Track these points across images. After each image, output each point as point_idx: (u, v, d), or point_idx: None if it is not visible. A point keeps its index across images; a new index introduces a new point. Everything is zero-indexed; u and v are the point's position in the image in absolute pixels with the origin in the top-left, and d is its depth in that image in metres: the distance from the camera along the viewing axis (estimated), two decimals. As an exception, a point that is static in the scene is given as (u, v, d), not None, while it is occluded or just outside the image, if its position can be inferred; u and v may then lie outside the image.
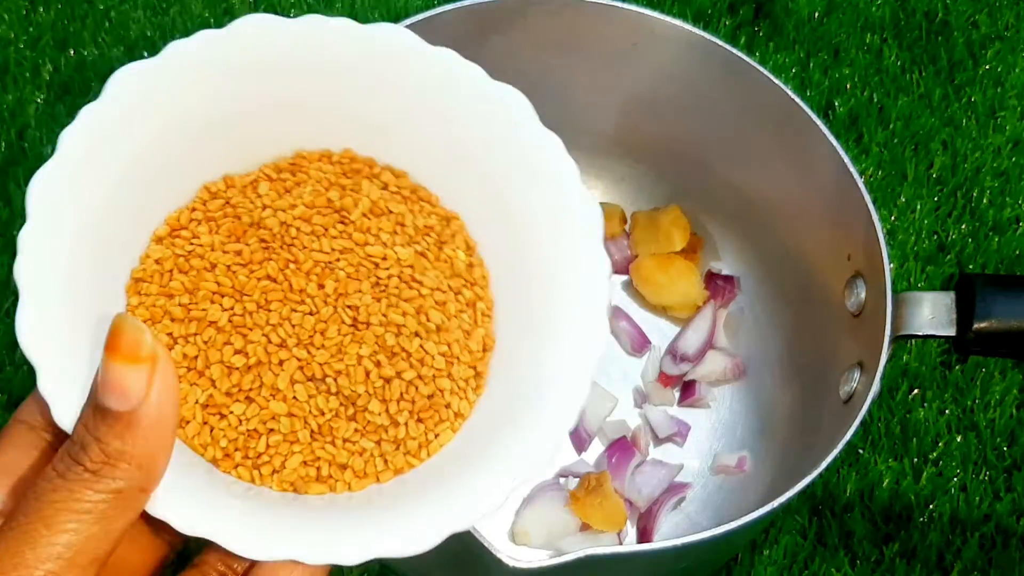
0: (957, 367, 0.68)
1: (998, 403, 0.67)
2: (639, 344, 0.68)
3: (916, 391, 0.68)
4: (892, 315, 0.54)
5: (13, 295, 0.66)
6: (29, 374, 0.64)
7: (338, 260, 0.39)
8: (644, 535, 0.63)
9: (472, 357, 0.39)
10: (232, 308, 0.38)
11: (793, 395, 0.65)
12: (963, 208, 0.73)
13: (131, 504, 0.33)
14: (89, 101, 0.37)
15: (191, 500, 0.35)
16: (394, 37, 0.40)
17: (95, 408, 0.33)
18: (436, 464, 0.38)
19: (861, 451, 0.66)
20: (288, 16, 0.40)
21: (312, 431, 0.37)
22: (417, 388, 0.38)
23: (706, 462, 0.66)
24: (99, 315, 0.35)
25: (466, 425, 0.39)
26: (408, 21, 0.59)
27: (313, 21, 0.40)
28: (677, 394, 0.67)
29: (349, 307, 0.38)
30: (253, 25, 0.39)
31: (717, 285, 0.69)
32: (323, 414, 0.37)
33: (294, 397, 0.37)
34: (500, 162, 0.41)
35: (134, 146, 0.38)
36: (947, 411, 0.67)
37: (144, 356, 0.33)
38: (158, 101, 0.39)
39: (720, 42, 0.61)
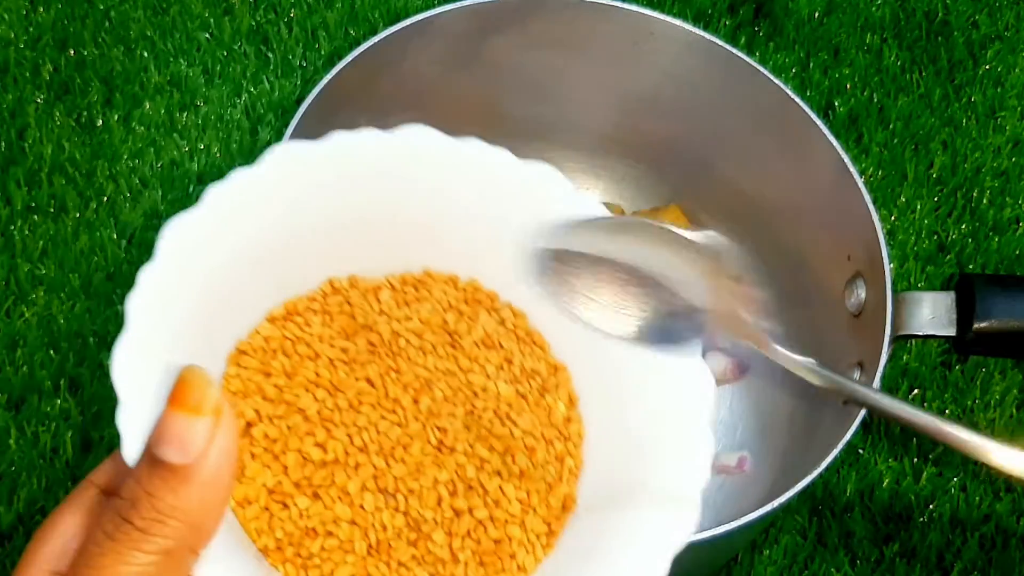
0: (957, 367, 0.68)
1: (998, 403, 0.67)
2: (639, 344, 0.68)
3: (916, 391, 0.68)
4: (892, 315, 0.54)
5: (13, 295, 0.66)
6: (30, 374, 0.64)
7: (439, 380, 0.38)
8: (644, 535, 0.63)
9: (549, 512, 0.38)
10: (324, 401, 0.37)
11: (793, 395, 0.65)
12: (963, 208, 0.73)
13: (181, 565, 0.32)
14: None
15: None
16: (549, 180, 0.40)
17: (149, 461, 0.32)
18: None
19: (861, 451, 0.66)
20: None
21: (370, 545, 0.36)
22: (486, 529, 0.37)
23: (706, 462, 0.66)
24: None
25: None
26: (408, 21, 0.59)
27: (474, 145, 0.40)
28: (677, 394, 0.67)
29: (438, 428, 0.38)
30: (417, 136, 0.39)
31: (717, 285, 0.69)
32: (385, 530, 0.36)
33: (361, 505, 0.36)
34: None
35: (274, 222, 0.38)
36: (947, 411, 0.67)
37: (208, 408, 0.32)
38: (310, 186, 0.39)
39: (720, 42, 0.61)
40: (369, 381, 0.38)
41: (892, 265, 0.56)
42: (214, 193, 0.37)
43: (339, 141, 0.39)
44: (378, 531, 0.36)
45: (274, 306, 0.39)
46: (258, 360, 0.38)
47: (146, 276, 0.35)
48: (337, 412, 0.37)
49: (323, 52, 0.75)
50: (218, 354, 0.38)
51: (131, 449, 0.33)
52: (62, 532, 0.34)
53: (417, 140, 0.40)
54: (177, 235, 0.36)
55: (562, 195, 0.40)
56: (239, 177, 0.37)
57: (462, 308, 0.41)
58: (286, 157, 0.38)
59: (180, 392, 0.32)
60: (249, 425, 0.37)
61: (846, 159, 0.58)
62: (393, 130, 0.39)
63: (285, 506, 0.36)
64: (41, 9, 0.75)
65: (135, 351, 0.34)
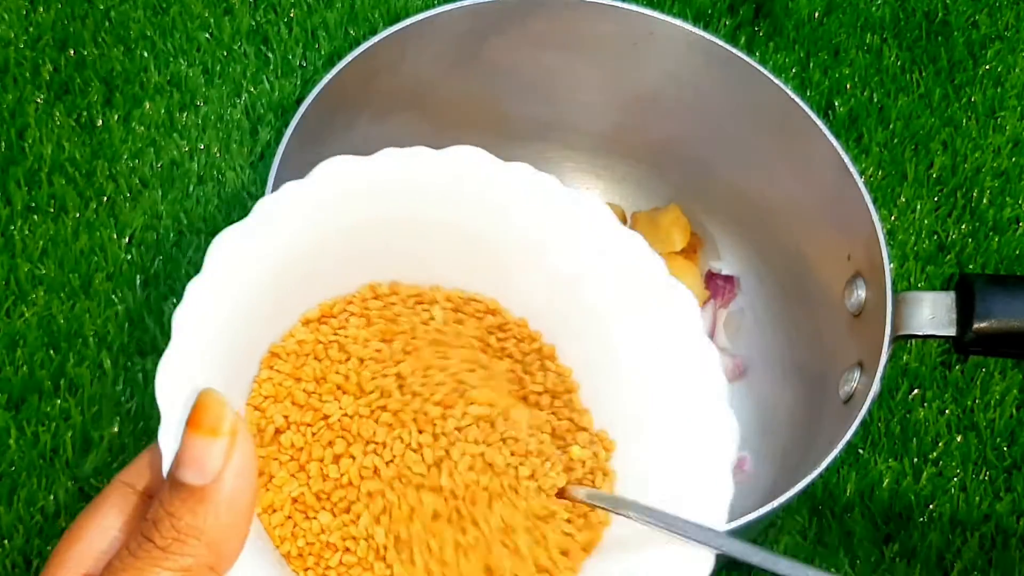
0: (957, 367, 0.68)
1: (998, 403, 0.67)
2: (639, 344, 0.68)
3: (916, 391, 0.68)
4: (892, 315, 0.54)
5: (13, 295, 0.66)
6: (30, 374, 0.64)
7: (473, 387, 0.38)
8: (644, 535, 0.63)
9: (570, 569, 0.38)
10: (346, 408, 0.37)
11: (793, 395, 0.65)
12: (963, 208, 0.73)
13: None
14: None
15: None
16: (593, 210, 0.40)
17: (171, 483, 0.33)
18: None
19: (861, 451, 0.66)
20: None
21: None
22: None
23: (706, 462, 0.66)
24: (229, 382, 0.35)
25: None
26: (408, 21, 0.59)
27: (522, 170, 0.40)
28: (677, 394, 0.67)
29: (468, 458, 0.37)
30: (467, 157, 0.39)
31: (717, 285, 0.69)
32: (392, 568, 0.36)
33: (372, 536, 0.36)
34: (649, 368, 0.40)
35: (321, 236, 0.38)
36: (947, 411, 0.67)
37: (225, 430, 0.33)
38: (358, 201, 0.39)
39: (720, 42, 0.61)
40: (400, 376, 0.37)
41: (892, 265, 0.56)
42: (264, 206, 0.37)
43: (389, 158, 0.39)
44: (390, 566, 0.36)
45: (309, 308, 0.39)
46: (290, 364, 0.38)
47: (194, 290, 0.35)
48: (357, 420, 0.37)
49: (323, 52, 0.75)
50: (255, 358, 0.38)
51: (169, 467, 0.34)
52: (91, 533, 0.35)
53: (466, 161, 0.39)
54: (226, 248, 0.36)
55: (605, 226, 0.40)
56: (289, 190, 0.37)
57: (498, 335, 0.40)
58: (336, 172, 0.38)
59: (197, 415, 0.33)
60: (278, 432, 0.37)
61: (846, 159, 0.58)
62: (444, 150, 0.39)
63: (307, 517, 0.36)
64: (41, 9, 0.75)
65: (177, 367, 0.34)
